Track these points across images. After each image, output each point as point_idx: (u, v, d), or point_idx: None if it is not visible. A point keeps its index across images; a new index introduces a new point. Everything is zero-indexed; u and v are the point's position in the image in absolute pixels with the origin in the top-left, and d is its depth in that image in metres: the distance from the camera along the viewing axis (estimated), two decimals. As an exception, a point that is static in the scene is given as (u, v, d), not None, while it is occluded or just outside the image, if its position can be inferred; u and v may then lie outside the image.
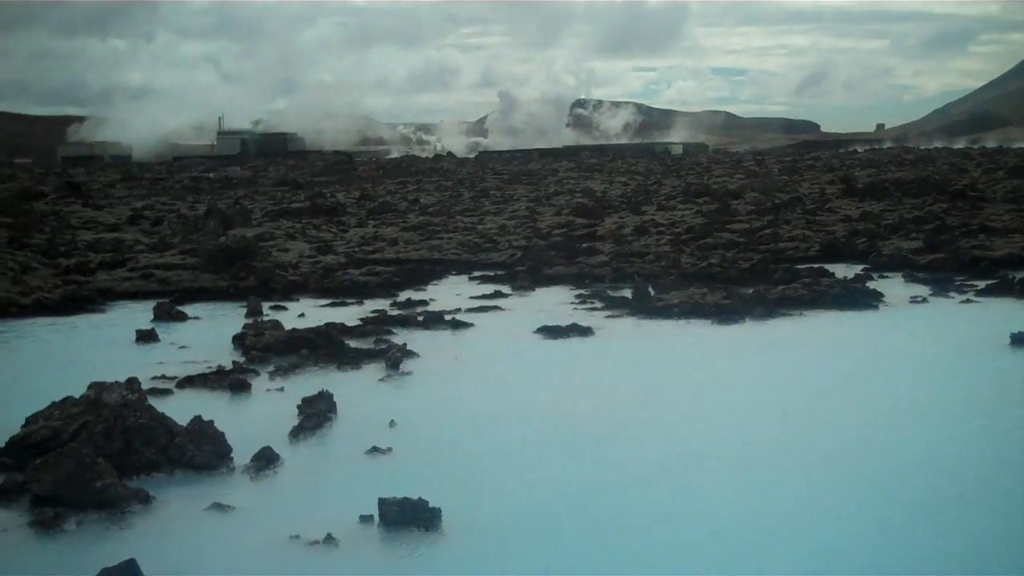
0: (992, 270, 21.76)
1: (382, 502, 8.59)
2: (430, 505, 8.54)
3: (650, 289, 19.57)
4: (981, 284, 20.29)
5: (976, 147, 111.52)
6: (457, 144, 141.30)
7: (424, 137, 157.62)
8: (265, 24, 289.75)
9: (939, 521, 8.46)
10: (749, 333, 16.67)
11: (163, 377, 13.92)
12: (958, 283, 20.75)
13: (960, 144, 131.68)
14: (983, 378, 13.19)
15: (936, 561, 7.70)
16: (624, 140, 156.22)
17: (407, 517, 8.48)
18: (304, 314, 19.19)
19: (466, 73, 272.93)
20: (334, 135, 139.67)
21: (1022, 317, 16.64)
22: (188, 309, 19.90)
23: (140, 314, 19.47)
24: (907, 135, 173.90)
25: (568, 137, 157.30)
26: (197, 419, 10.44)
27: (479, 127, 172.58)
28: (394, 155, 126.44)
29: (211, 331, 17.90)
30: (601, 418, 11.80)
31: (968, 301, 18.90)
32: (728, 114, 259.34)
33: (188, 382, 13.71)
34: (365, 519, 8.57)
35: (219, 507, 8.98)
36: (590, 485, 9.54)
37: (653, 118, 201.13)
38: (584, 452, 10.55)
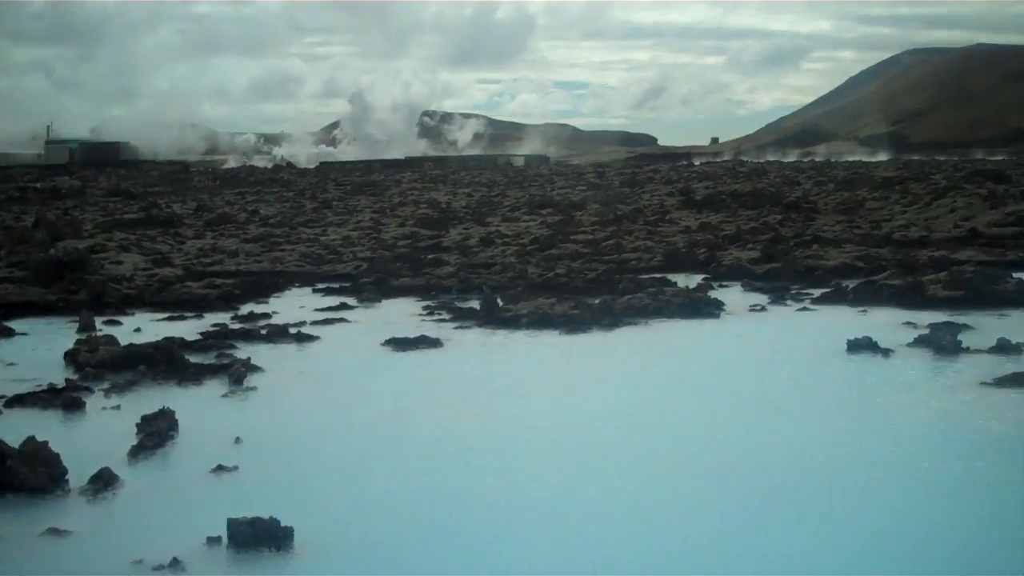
0: (826, 279, 22.47)
1: (231, 522, 8.26)
2: (282, 524, 8.27)
3: (498, 299, 19.52)
4: (816, 292, 20.92)
5: (806, 160, 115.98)
6: (302, 154, 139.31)
7: (267, 147, 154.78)
8: (102, 30, 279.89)
9: (780, 517, 8.65)
10: (597, 342, 16.76)
11: (-10, 396, 13.18)
12: (794, 291, 21.32)
13: (792, 157, 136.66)
14: (824, 382, 13.54)
15: (780, 556, 7.83)
16: (468, 152, 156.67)
17: (258, 537, 8.18)
18: (140, 329, 18.47)
19: (310, 82, 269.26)
20: (171, 144, 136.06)
21: (856, 324, 17.22)
22: (15, 324, 18.90)
23: (-37, 330, 18.45)
24: (741, 148, 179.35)
25: (418, 147, 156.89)
26: (30, 440, 9.91)
27: (324, 137, 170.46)
28: (231, 165, 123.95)
29: (41, 347, 17.01)
30: (452, 430, 11.67)
31: (805, 309, 19.44)
32: (571, 127, 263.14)
33: (17, 401, 13.01)
34: (213, 541, 8.23)
35: (55, 532, 8.52)
36: (444, 499, 9.40)
37: (497, 130, 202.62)
38: (437, 465, 10.41)
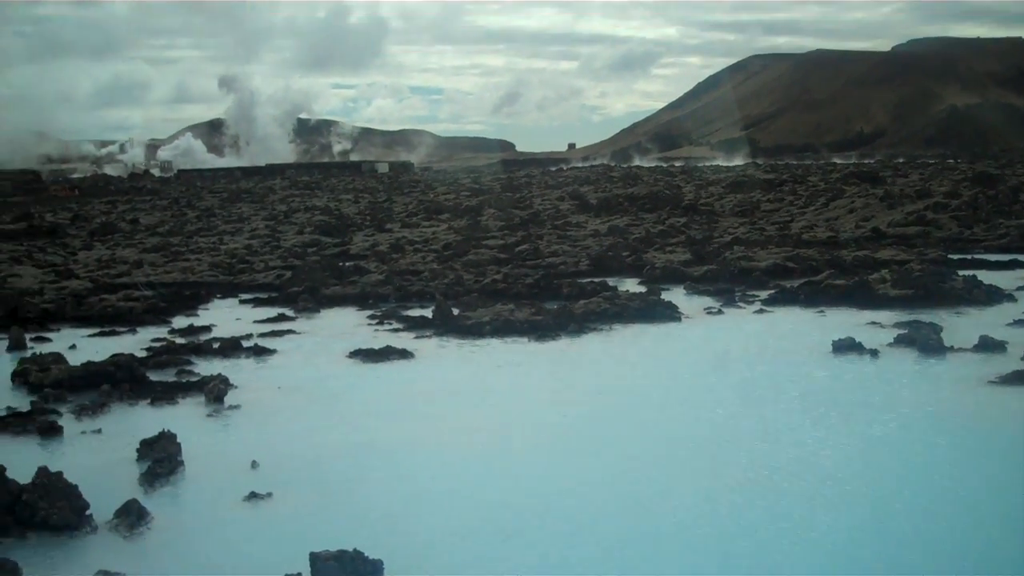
0: (764, 280, 22.48)
1: (314, 557, 7.55)
2: (368, 557, 7.60)
3: (452, 308, 18.90)
4: (762, 294, 20.80)
5: (668, 165, 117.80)
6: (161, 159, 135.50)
7: (119, 155, 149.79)
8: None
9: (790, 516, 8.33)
10: (573, 349, 16.27)
11: (-53, 425, 12.01)
12: (739, 293, 21.15)
13: (652, 162, 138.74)
14: (830, 382, 13.29)
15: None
16: (336, 159, 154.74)
17: (346, 573, 7.49)
18: (76, 345, 17.30)
19: (159, 87, 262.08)
20: (17, 152, 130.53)
21: (822, 324, 17.25)
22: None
23: None
24: (603, 153, 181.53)
25: (294, 154, 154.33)
26: (43, 471, 8.99)
27: (207, 140, 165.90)
28: (79, 175, 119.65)
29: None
30: (498, 444, 11.12)
31: (762, 311, 19.27)
32: (429, 133, 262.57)
33: (-16, 428, 11.92)
34: (294, 578, 7.52)
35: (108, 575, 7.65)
36: (514, 512, 8.89)
37: (356, 136, 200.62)
38: (498, 478, 9.85)
